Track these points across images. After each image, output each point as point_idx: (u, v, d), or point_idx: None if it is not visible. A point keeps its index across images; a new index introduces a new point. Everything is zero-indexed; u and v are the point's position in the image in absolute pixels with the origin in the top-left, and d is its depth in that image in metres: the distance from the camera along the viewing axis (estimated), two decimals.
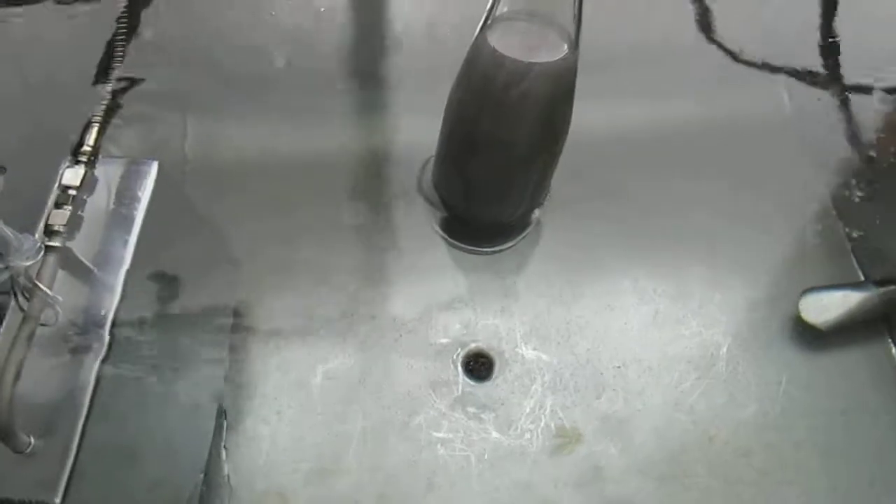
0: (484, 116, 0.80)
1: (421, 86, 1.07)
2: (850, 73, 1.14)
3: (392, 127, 1.04)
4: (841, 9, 1.22)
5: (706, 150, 1.04)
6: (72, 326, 0.84)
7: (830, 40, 1.17)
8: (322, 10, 1.16)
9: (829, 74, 1.13)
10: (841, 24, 1.20)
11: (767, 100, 1.10)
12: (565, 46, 0.75)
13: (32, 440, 0.76)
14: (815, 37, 1.18)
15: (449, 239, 0.93)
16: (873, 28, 1.21)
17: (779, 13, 1.21)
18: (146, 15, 1.13)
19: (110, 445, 0.77)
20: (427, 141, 0.94)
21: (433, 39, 1.14)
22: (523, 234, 0.94)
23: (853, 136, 1.07)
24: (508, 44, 0.74)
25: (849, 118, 1.08)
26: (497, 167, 0.85)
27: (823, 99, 1.10)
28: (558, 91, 0.79)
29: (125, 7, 1.10)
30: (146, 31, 1.11)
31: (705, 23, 1.18)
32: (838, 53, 1.16)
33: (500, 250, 0.93)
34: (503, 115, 0.78)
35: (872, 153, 1.05)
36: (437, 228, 0.94)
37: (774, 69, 1.13)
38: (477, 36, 0.77)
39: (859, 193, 1.01)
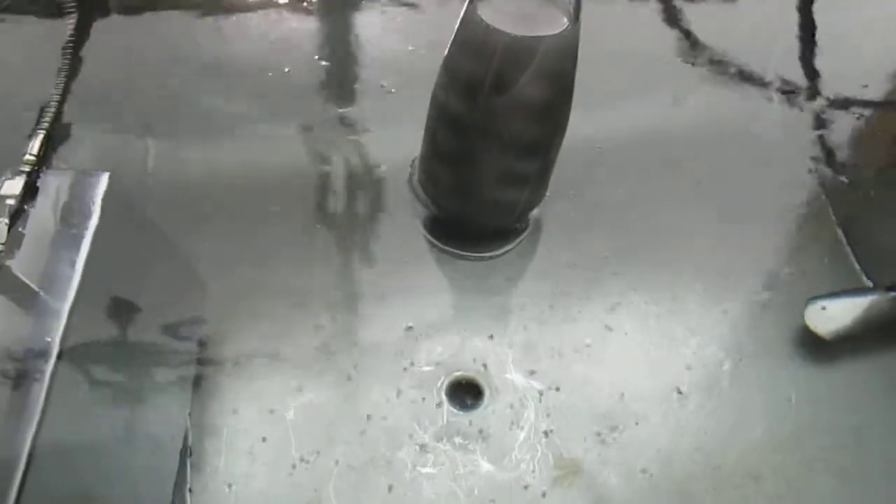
0: (477, 104, 0.72)
1: (393, 95, 1.02)
2: (840, 81, 1.11)
3: (365, 138, 0.97)
4: (822, 18, 1.20)
5: (700, 160, 0.99)
6: (11, 358, 0.75)
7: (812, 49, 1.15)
8: (293, 25, 1.09)
9: (812, 85, 1.10)
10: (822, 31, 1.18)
11: (760, 108, 1.06)
12: (564, 18, 0.68)
13: None
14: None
15: (439, 245, 0.86)
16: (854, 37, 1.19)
17: (760, 25, 1.19)
18: (99, 27, 1.05)
19: (58, 491, 0.68)
20: (403, 151, 0.89)
21: (404, 48, 1.08)
22: (519, 239, 0.88)
23: (846, 141, 1.03)
24: (501, 17, 0.67)
25: (839, 124, 1.05)
26: (492, 162, 0.78)
27: (814, 106, 1.07)
28: (562, 70, 0.71)
29: (75, 22, 1.04)
30: (99, 46, 1.03)
31: (688, 33, 1.15)
32: (815, 63, 1.13)
33: (494, 256, 0.87)
34: (500, 101, 0.71)
35: (868, 158, 1.02)
36: (426, 233, 0.87)
37: (764, 79, 1.10)
38: (465, 9, 0.69)
39: (858, 198, 0.97)
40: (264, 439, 0.71)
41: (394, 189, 0.91)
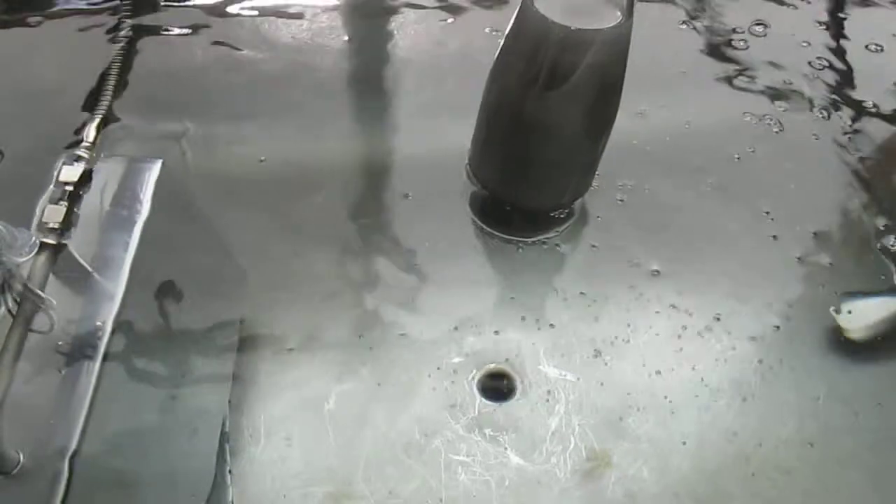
0: (531, 94, 0.70)
1: (430, 87, 0.98)
2: (871, 84, 1.05)
3: (407, 129, 0.93)
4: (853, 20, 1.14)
5: (736, 162, 0.93)
6: (66, 335, 0.72)
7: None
8: (337, 21, 1.06)
9: (844, 87, 1.04)
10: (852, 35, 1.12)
11: (794, 112, 1.00)
12: (618, 12, 0.66)
13: (21, 458, 0.65)
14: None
15: (485, 227, 0.83)
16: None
17: (793, 28, 1.13)
18: (149, 22, 1.03)
19: (105, 469, 0.65)
20: (445, 141, 0.86)
21: (439, 43, 1.05)
22: (565, 226, 0.84)
23: (878, 145, 0.97)
24: (558, 10, 0.65)
25: (871, 127, 0.99)
26: (546, 149, 0.75)
27: (846, 109, 1.01)
28: (615, 63, 0.69)
29: (129, 18, 1.02)
30: (149, 42, 1.01)
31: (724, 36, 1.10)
32: (847, 66, 1.07)
33: (537, 242, 0.83)
34: (554, 92, 0.69)
35: None
36: (474, 217, 0.84)
37: (797, 83, 1.04)
38: (522, 2, 0.67)
39: (892, 199, 0.90)
40: (302, 426, 0.68)
41: (442, 175, 0.88)
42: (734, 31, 1.10)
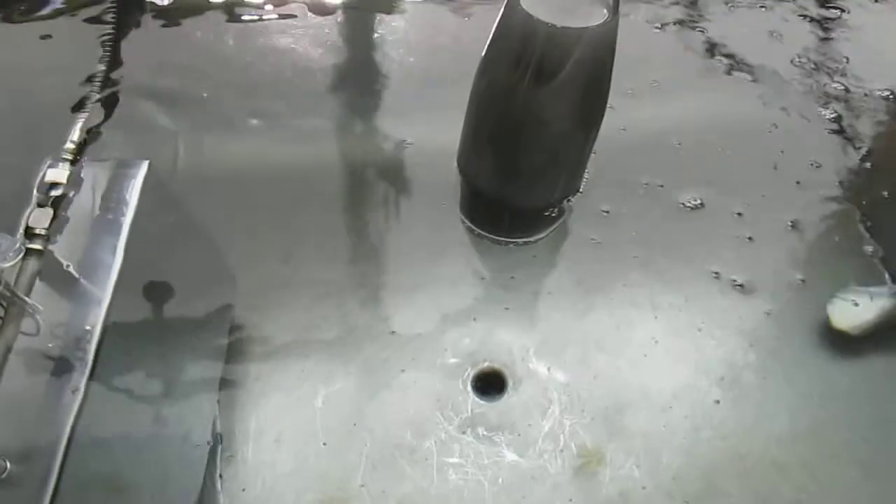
0: (518, 92, 0.69)
1: (419, 87, 0.97)
2: (860, 82, 1.04)
3: (397, 129, 0.92)
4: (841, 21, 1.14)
5: (725, 158, 0.93)
6: (53, 340, 0.70)
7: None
8: (322, 23, 1.05)
9: (832, 84, 1.04)
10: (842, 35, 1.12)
11: (784, 108, 1.00)
12: (604, 10, 0.65)
13: (8, 465, 0.63)
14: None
15: (476, 229, 0.82)
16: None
17: (781, 26, 1.12)
18: (135, 24, 1.02)
19: (94, 474, 0.64)
20: (432, 142, 0.86)
21: (428, 44, 1.04)
22: (553, 227, 0.83)
23: (868, 142, 0.96)
24: (543, 8, 0.64)
25: (860, 125, 0.98)
26: (534, 147, 0.75)
27: (836, 106, 1.00)
28: (603, 60, 0.68)
29: (114, 13, 1.01)
30: (135, 43, 0.99)
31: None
32: (835, 64, 1.07)
33: (528, 242, 0.82)
34: (541, 90, 0.68)
35: (891, 158, 0.95)
36: (464, 218, 0.83)
37: (784, 79, 1.03)
38: (507, 2, 0.66)
39: (882, 197, 0.90)
40: (292, 428, 0.67)
41: (431, 176, 0.87)
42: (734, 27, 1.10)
